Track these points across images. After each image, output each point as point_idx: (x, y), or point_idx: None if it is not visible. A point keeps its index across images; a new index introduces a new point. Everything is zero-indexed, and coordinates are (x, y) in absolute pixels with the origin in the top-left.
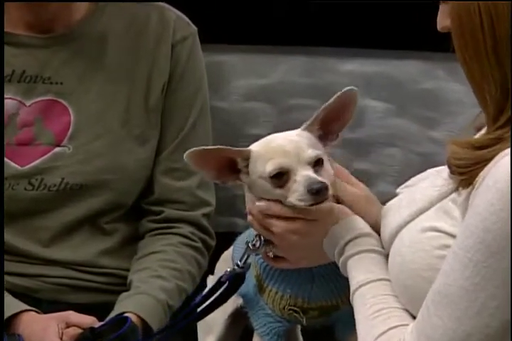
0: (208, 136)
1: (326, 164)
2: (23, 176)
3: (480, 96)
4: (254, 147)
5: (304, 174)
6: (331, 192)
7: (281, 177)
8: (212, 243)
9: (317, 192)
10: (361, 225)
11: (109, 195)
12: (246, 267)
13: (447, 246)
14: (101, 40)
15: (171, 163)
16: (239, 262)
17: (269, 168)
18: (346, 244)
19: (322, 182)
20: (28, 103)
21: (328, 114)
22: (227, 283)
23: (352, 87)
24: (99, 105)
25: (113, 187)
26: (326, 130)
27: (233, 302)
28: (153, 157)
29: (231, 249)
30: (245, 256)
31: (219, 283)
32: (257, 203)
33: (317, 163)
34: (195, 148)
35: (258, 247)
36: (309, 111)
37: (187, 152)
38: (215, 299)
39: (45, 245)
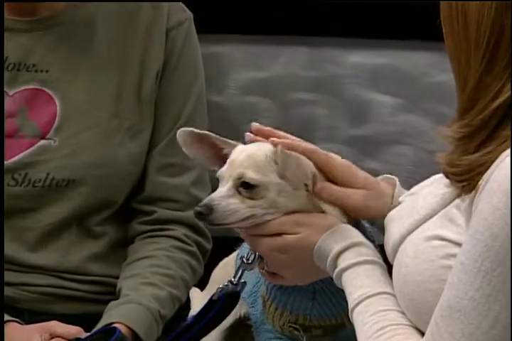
0: (204, 128)
1: (269, 194)
2: (6, 171)
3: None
4: (238, 147)
5: (216, 191)
6: (235, 218)
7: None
8: (208, 246)
9: (194, 214)
10: (350, 234)
11: (97, 192)
12: (240, 285)
13: (453, 256)
14: (89, 25)
15: (165, 158)
16: (233, 279)
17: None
18: (337, 256)
19: (207, 204)
20: (11, 92)
21: None
22: (220, 302)
23: None
24: (87, 95)
25: (102, 183)
26: None
27: (233, 313)
28: (146, 151)
29: (232, 255)
30: (239, 272)
31: (211, 302)
32: None
33: (249, 187)
34: (184, 128)
35: (252, 262)
36: (312, 106)
37: (179, 130)
38: (208, 320)
39: (30, 249)
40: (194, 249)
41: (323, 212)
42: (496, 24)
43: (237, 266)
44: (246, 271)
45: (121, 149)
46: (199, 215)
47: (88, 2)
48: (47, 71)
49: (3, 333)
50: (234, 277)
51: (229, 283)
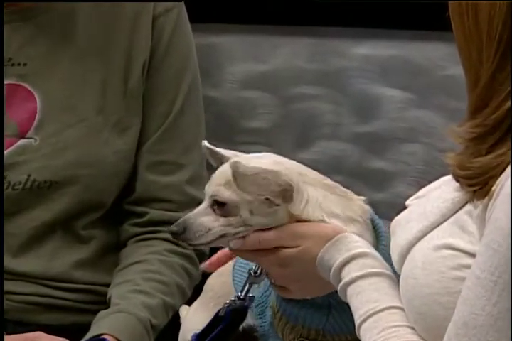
0: (199, 123)
1: (242, 212)
2: None
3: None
4: (240, 158)
5: (195, 209)
6: (205, 240)
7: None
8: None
9: (171, 233)
10: (354, 244)
11: (83, 194)
12: (248, 299)
13: (465, 266)
14: (69, 14)
15: (156, 155)
16: (239, 293)
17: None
18: (340, 269)
19: (181, 223)
20: None
21: None
22: (227, 319)
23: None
24: (69, 89)
25: (88, 184)
26: None
27: None
28: (135, 148)
29: (228, 264)
30: (247, 286)
31: (217, 318)
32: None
33: (221, 205)
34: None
35: (260, 275)
36: (315, 102)
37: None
38: (213, 338)
39: (13, 255)
40: (190, 252)
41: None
42: (508, 18)
43: (245, 279)
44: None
45: (107, 147)
46: (173, 235)
47: None
48: (25, 64)
49: (3, 331)
50: (241, 291)
51: (236, 298)
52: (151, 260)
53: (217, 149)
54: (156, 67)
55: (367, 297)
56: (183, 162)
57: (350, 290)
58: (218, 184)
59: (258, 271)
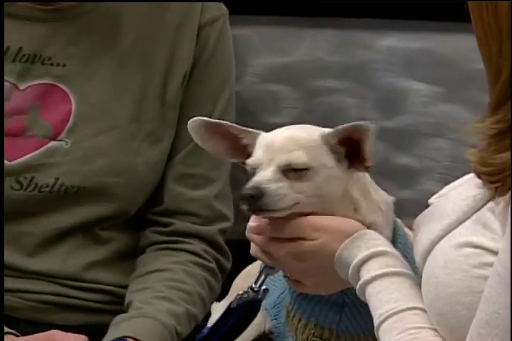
0: None
1: (318, 178)
2: (11, 172)
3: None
4: (264, 133)
5: (258, 175)
6: (284, 204)
7: (253, 173)
8: (228, 264)
9: (243, 198)
10: (375, 241)
11: (109, 202)
12: (262, 291)
13: (488, 265)
14: (114, 17)
15: (186, 167)
16: (253, 285)
17: (250, 158)
18: (359, 267)
19: (257, 188)
20: (22, 86)
21: (349, 137)
22: (239, 311)
23: (364, 124)
24: (106, 94)
25: (116, 192)
26: (353, 151)
27: (257, 327)
28: (165, 160)
29: (254, 264)
30: (262, 278)
31: (229, 311)
32: (249, 224)
33: (297, 172)
34: (196, 118)
35: (274, 267)
36: (339, 96)
37: (189, 121)
38: (226, 331)
39: (28, 254)
40: (213, 265)
41: (354, 209)
42: None
43: (260, 270)
44: (271, 284)
45: (138, 156)
46: (251, 199)
47: None
48: (64, 65)
49: (3, 331)
50: (255, 283)
51: (249, 290)
52: (175, 269)
53: (241, 127)
54: (197, 78)
55: (387, 296)
56: (213, 176)
57: (369, 289)
58: (291, 149)
59: None
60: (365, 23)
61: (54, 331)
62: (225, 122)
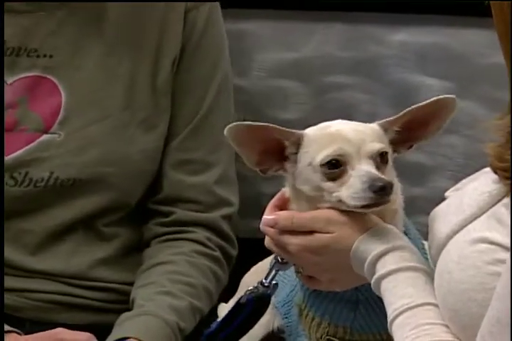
0: (228, 120)
1: (391, 166)
2: (5, 168)
3: None
4: (309, 131)
5: (364, 168)
6: (393, 196)
7: (335, 167)
8: (234, 252)
9: (380, 190)
10: (393, 236)
11: (107, 193)
12: (272, 287)
13: (501, 261)
14: (98, 5)
15: (183, 153)
16: (264, 280)
17: (324, 153)
18: (375, 261)
19: (386, 180)
20: (9, 80)
21: (415, 117)
22: (249, 306)
23: (449, 96)
24: (96, 83)
25: (112, 182)
26: (404, 135)
27: (265, 325)
28: (162, 147)
29: (265, 260)
30: (272, 273)
31: (238, 306)
32: (265, 216)
33: (381, 159)
34: (238, 122)
35: (287, 262)
36: (350, 91)
37: (228, 126)
38: (235, 327)
39: (31, 252)
40: (218, 254)
41: None
42: None
43: (271, 265)
44: (280, 281)
45: (133, 145)
46: (379, 192)
47: None
48: (51, 56)
49: (3, 332)
50: (265, 278)
51: (259, 285)
52: (178, 261)
53: (285, 129)
54: (187, 63)
55: (402, 291)
56: (211, 161)
57: (384, 284)
58: (370, 140)
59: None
60: (377, 17)
61: (60, 329)
62: (269, 125)
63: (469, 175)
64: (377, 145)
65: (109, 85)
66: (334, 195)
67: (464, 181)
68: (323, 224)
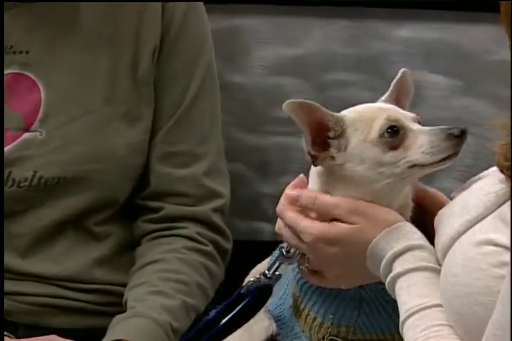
0: (214, 111)
1: None
2: None
3: None
4: (345, 112)
5: (423, 128)
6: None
7: (395, 134)
8: (227, 245)
9: (462, 133)
10: (413, 235)
11: (94, 190)
12: (274, 278)
13: (506, 264)
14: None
15: (169, 145)
16: (267, 271)
17: (379, 123)
18: (394, 259)
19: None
20: None
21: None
22: (250, 296)
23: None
24: (75, 79)
25: (99, 179)
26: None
27: (265, 330)
28: (147, 140)
29: (264, 262)
30: (276, 264)
31: (239, 296)
32: (286, 191)
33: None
34: (292, 100)
35: (292, 255)
36: (352, 89)
37: (284, 103)
38: (234, 316)
39: (21, 255)
40: (210, 248)
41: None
42: None
43: (275, 256)
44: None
45: (117, 139)
46: (459, 137)
47: None
48: (27, 52)
49: (3, 332)
50: (268, 269)
51: (262, 276)
52: (169, 259)
53: (328, 111)
54: (167, 52)
55: (417, 291)
56: (199, 152)
57: (400, 282)
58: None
59: (291, 251)
60: (380, 12)
61: (52, 336)
62: (314, 104)
63: (477, 175)
64: (412, 113)
65: (88, 80)
66: (402, 161)
67: (470, 180)
68: (346, 213)
